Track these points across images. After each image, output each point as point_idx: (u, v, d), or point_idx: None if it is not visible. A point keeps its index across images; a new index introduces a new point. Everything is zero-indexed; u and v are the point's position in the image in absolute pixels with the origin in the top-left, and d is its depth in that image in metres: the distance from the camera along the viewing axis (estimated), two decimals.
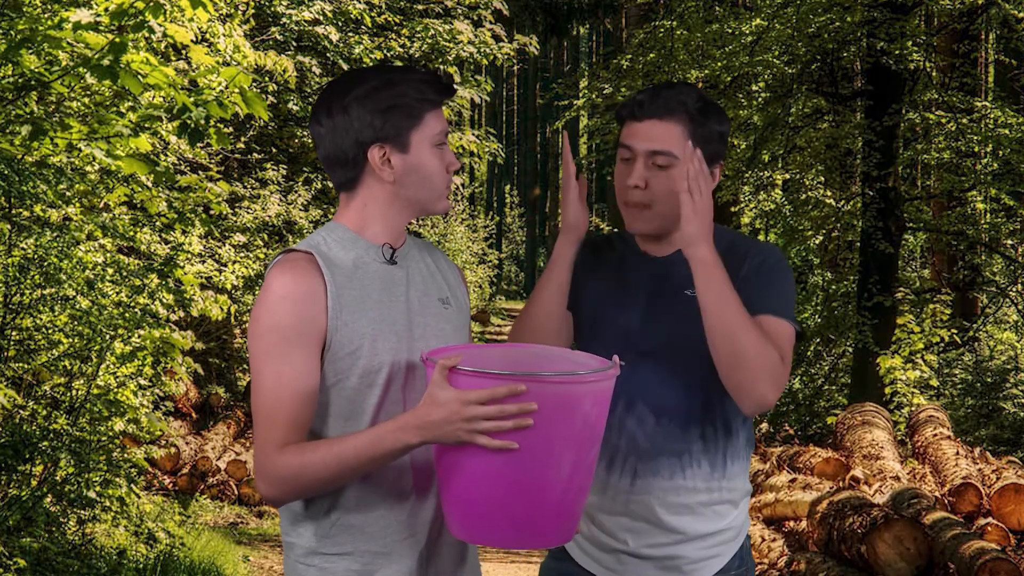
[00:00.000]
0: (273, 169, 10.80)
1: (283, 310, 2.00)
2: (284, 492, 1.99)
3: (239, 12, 7.17)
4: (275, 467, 1.98)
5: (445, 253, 2.32)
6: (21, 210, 5.45)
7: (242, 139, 10.52)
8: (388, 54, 10.79)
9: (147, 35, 4.33)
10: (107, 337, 5.48)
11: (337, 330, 2.02)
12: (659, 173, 2.26)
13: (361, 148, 2.08)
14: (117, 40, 4.20)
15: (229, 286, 8.61)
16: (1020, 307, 12.29)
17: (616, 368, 1.97)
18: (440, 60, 11.20)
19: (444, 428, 1.89)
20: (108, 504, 5.53)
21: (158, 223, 6.52)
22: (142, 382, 5.93)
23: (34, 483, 5.25)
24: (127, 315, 5.53)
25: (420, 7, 11.94)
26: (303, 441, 2.00)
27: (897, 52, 9.93)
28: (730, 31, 11.22)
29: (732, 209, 14.11)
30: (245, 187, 10.62)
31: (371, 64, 10.29)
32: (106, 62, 4.21)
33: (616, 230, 2.55)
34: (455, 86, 2.16)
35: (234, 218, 10.06)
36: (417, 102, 2.07)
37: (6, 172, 4.71)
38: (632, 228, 2.33)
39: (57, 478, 5.31)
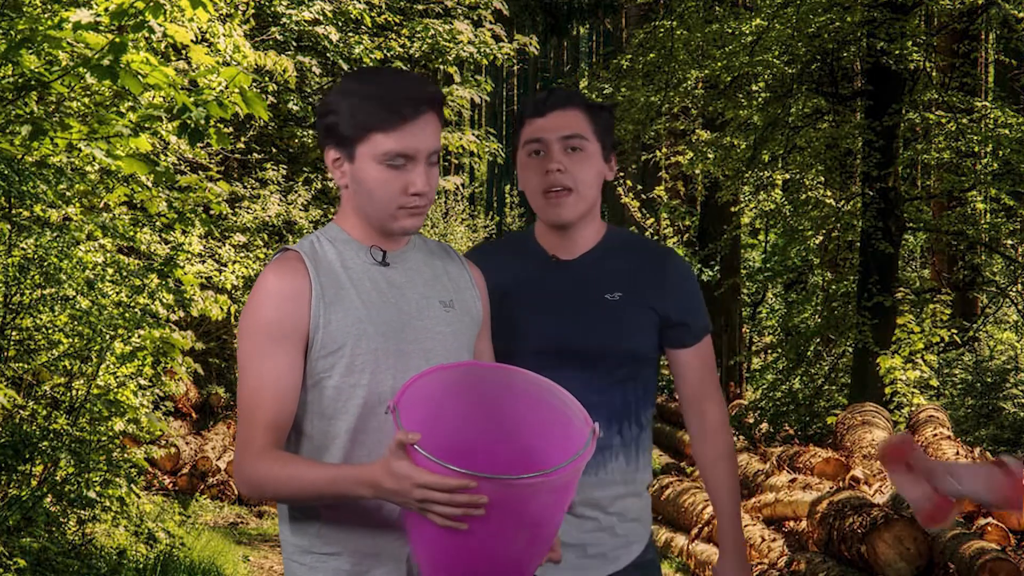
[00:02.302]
0: (273, 169, 10.79)
1: (266, 308, 2.02)
2: (254, 493, 2.03)
3: (239, 12, 7.17)
4: (249, 470, 2.00)
5: (459, 254, 2.28)
6: (21, 210, 5.45)
7: (242, 139, 10.52)
8: (388, 54, 10.79)
9: (147, 35, 4.33)
10: (107, 337, 5.48)
11: (319, 328, 2.02)
12: (574, 156, 2.39)
13: (322, 147, 2.12)
14: (117, 40, 4.20)
15: (229, 286, 8.60)
16: (1020, 307, 12.29)
17: (588, 453, 1.91)
18: (440, 60, 11.19)
19: (396, 498, 1.88)
20: (108, 504, 5.53)
21: (158, 223, 6.52)
22: (142, 382, 5.93)
23: (34, 483, 5.25)
24: (127, 315, 5.53)
25: (420, 7, 11.93)
26: (283, 439, 2.02)
27: (897, 52, 9.92)
28: (730, 31, 11.20)
29: (732, 209, 14.10)
30: (245, 187, 10.62)
31: (370, 64, 10.29)
32: (106, 62, 4.21)
33: (519, 228, 2.60)
34: (445, 93, 2.11)
35: (234, 218, 10.05)
36: (367, 118, 2.03)
37: (6, 172, 4.71)
38: (559, 218, 2.41)
39: (57, 478, 5.31)
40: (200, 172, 9.02)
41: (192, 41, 4.80)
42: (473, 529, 1.85)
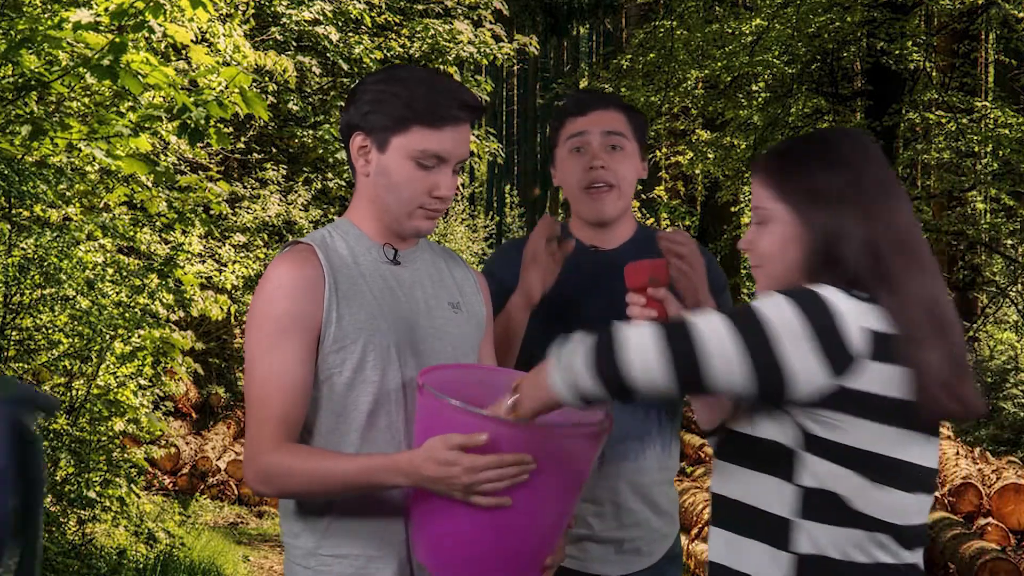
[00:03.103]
0: (273, 169, 10.79)
1: (278, 299, 1.99)
2: (269, 489, 1.99)
3: (239, 12, 7.17)
4: (263, 463, 1.96)
5: (463, 259, 2.28)
6: (21, 210, 5.45)
7: (242, 139, 10.51)
8: (388, 54, 10.79)
9: (147, 35, 4.33)
10: (107, 337, 5.48)
11: (331, 323, 1.99)
12: (615, 154, 2.46)
13: (349, 131, 2.08)
14: (117, 40, 4.20)
15: (229, 286, 8.61)
16: (1020, 307, 12.29)
17: (611, 423, 1.96)
18: (440, 60, 11.18)
19: (438, 485, 1.86)
20: (108, 504, 5.53)
21: (158, 223, 6.53)
22: (142, 382, 5.93)
23: None
24: (127, 315, 5.53)
25: (420, 7, 11.93)
26: (295, 433, 1.98)
27: (897, 52, 9.92)
28: (730, 31, 11.20)
29: (732, 209, 14.11)
30: (245, 187, 10.61)
31: (371, 64, 10.30)
32: (106, 62, 4.21)
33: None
34: (473, 109, 2.05)
35: (234, 218, 10.05)
36: (412, 111, 2.01)
37: (6, 172, 4.71)
38: (601, 213, 2.48)
39: (57, 478, 5.31)
40: (200, 172, 9.03)
41: (192, 41, 4.80)
42: (509, 508, 1.85)
